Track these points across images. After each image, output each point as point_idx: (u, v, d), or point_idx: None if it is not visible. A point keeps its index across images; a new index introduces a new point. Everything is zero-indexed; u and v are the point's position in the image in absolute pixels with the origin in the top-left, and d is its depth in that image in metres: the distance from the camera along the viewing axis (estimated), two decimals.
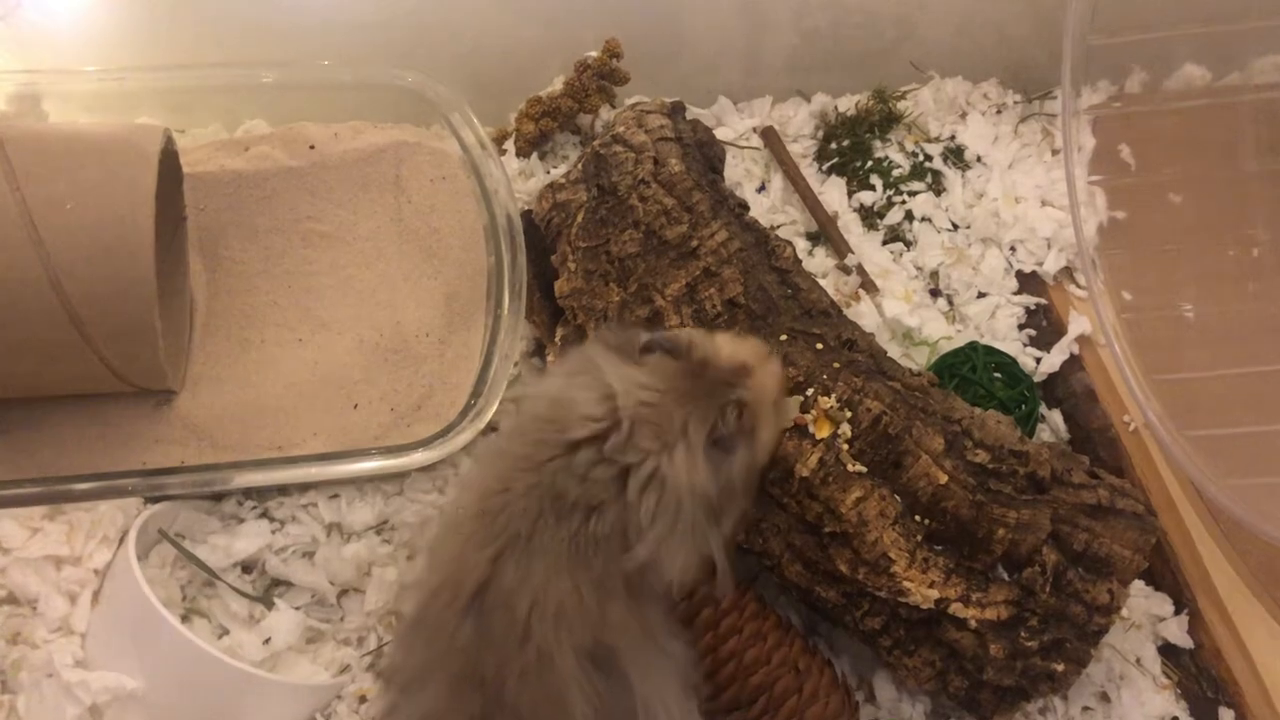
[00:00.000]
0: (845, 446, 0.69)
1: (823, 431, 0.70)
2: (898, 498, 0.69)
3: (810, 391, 0.70)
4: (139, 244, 0.67)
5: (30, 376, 0.70)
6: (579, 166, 0.77)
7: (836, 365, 0.72)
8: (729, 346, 0.60)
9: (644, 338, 0.58)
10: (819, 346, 0.73)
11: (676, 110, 0.80)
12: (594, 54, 0.91)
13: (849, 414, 0.70)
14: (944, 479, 0.68)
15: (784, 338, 0.72)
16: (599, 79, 0.91)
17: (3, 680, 0.68)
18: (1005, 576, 0.68)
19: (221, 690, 0.66)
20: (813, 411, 0.70)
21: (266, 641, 0.72)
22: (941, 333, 0.90)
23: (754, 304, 0.73)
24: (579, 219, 0.74)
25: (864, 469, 0.69)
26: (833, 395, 0.70)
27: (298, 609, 0.74)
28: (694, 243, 0.73)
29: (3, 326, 0.65)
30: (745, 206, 0.79)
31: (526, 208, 0.83)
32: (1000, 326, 0.91)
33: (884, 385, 0.71)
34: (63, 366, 0.69)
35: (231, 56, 0.89)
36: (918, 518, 0.68)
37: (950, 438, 0.70)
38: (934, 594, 0.67)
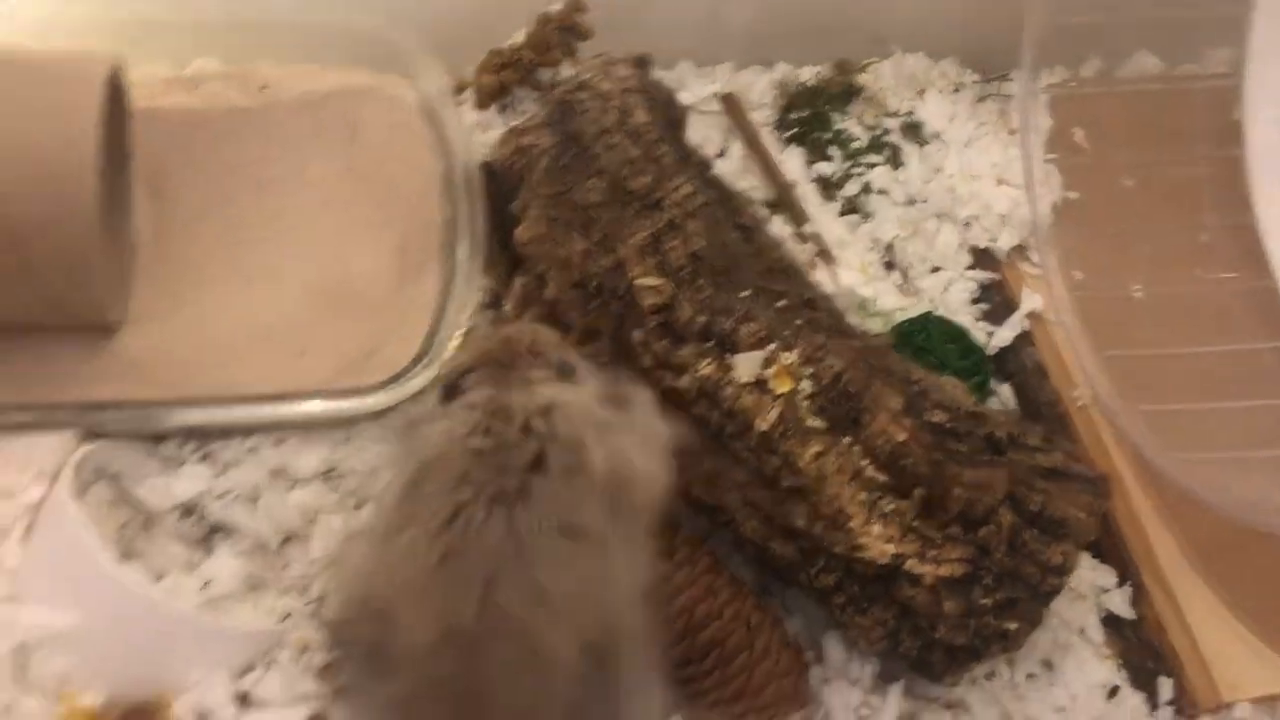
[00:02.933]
0: (805, 403, 0.69)
1: (783, 387, 0.69)
2: (857, 452, 0.68)
3: (771, 347, 0.70)
4: (82, 170, 0.64)
5: None
6: (544, 112, 0.76)
7: (798, 323, 0.71)
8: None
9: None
10: (780, 304, 0.72)
11: (643, 63, 0.79)
12: (558, 7, 0.90)
13: (809, 370, 0.69)
14: (903, 436, 0.68)
15: (746, 294, 0.72)
16: (562, 32, 0.90)
17: None
18: (961, 535, 0.68)
19: (158, 632, 0.63)
20: (773, 367, 0.69)
21: (205, 586, 0.69)
22: (895, 304, 0.90)
23: (717, 259, 0.72)
24: (542, 165, 0.73)
25: (823, 425, 0.69)
26: (794, 352, 0.69)
27: (238, 555, 0.71)
28: (659, 194, 0.72)
29: None
30: (709, 164, 0.79)
31: (484, 159, 0.81)
32: (953, 300, 0.92)
33: (845, 344, 0.71)
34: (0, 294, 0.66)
35: None
36: (876, 474, 0.68)
37: (909, 398, 0.70)
38: (890, 549, 0.66)
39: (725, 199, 0.76)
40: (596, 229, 0.72)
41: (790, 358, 0.69)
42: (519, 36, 0.92)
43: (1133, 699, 0.78)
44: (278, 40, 0.87)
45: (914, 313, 0.89)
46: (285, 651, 0.68)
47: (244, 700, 0.67)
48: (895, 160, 0.98)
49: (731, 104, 0.97)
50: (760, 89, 1.00)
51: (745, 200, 0.76)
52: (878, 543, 0.67)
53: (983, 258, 0.94)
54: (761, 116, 0.99)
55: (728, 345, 0.70)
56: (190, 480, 0.73)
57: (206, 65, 0.87)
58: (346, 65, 0.87)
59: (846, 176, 0.96)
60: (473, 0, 0.94)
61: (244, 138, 0.82)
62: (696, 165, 0.76)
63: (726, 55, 1.01)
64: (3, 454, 0.69)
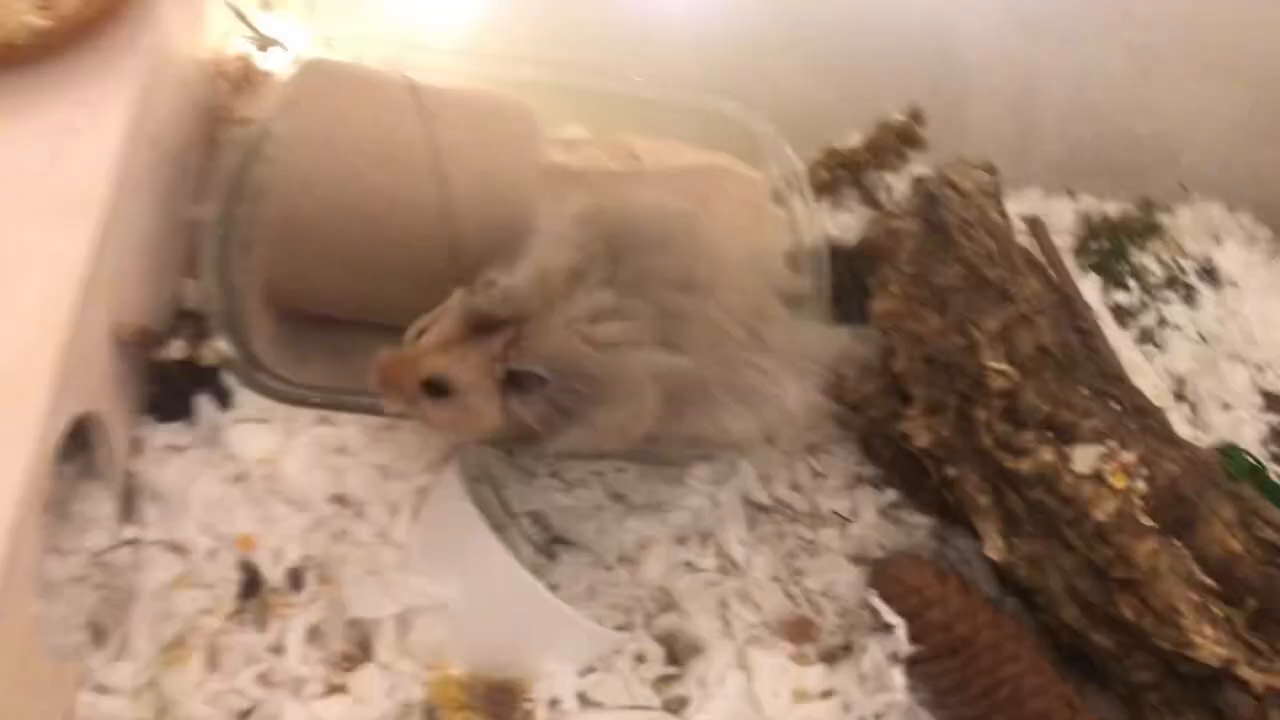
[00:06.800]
0: (1139, 502, 0.72)
1: (1120, 483, 0.72)
2: (1188, 556, 0.71)
3: (1112, 444, 0.73)
4: (524, 196, 0.72)
5: (393, 301, 0.74)
6: (910, 201, 0.82)
7: (1132, 426, 0.75)
8: None
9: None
10: (1115, 406, 0.76)
11: (993, 170, 0.85)
12: (899, 117, 0.97)
13: (1145, 471, 0.72)
14: (1238, 547, 0.70)
15: (1085, 392, 0.76)
16: (899, 140, 0.97)
17: (322, 572, 0.71)
18: None
19: (528, 616, 0.69)
20: (1112, 463, 0.73)
21: (553, 588, 0.75)
22: (1187, 435, 0.92)
23: (1060, 355, 0.76)
24: (909, 247, 0.79)
25: (1155, 525, 0.71)
26: (1132, 451, 0.73)
27: (578, 566, 0.77)
28: (1012, 288, 0.77)
29: (396, 247, 0.71)
30: (1047, 270, 0.83)
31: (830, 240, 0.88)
32: (1245, 439, 0.94)
33: (1177, 451, 0.74)
34: (425, 297, 0.73)
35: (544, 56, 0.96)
36: (1205, 579, 0.71)
37: (1241, 512, 0.72)
38: (1222, 652, 0.68)
39: (1066, 302, 0.80)
40: (951, 311, 0.77)
41: (1129, 456, 0.73)
42: (854, 139, 0.99)
43: None
44: (639, 116, 0.95)
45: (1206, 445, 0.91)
46: (621, 659, 0.73)
47: (583, 699, 0.71)
48: (1190, 299, 1.01)
49: (1037, 226, 1.02)
50: (1064, 216, 1.05)
51: (1084, 306, 0.80)
52: (1209, 644, 0.69)
53: (1275, 402, 0.97)
54: (1062, 242, 1.04)
55: (1067, 436, 0.74)
56: (541, 492, 0.79)
57: (574, 133, 0.96)
58: (703, 145, 0.94)
59: (1142, 307, 1.00)
60: (805, 105, 1.02)
61: (613, 198, 0.90)
62: (1040, 268, 0.81)
63: (1034, 181, 1.06)
64: (396, 443, 0.76)
